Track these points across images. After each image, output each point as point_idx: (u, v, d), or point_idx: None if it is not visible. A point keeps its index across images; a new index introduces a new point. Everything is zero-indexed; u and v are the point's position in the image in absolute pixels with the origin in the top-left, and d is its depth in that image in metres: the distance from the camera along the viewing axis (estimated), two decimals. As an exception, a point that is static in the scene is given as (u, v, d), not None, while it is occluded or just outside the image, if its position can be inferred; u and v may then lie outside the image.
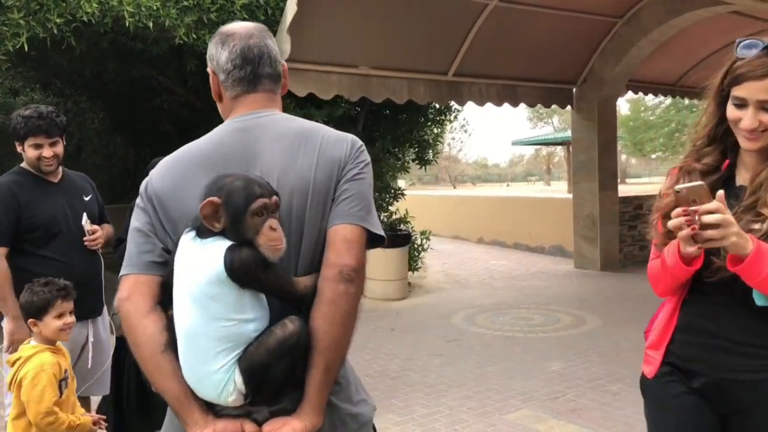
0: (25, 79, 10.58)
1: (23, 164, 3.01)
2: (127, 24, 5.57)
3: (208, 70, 1.54)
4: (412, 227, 8.62)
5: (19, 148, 2.96)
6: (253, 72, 1.49)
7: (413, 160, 9.47)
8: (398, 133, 8.77)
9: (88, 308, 3.01)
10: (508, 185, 46.35)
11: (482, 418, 4.02)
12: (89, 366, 3.06)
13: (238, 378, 1.28)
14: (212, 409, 1.34)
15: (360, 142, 1.50)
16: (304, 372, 1.33)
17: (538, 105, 9.41)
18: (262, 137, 1.44)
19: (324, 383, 1.34)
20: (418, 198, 13.60)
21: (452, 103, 8.64)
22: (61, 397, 2.39)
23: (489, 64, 8.00)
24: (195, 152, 1.47)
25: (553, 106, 9.77)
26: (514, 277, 9.19)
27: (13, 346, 2.89)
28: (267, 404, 1.34)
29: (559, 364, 5.08)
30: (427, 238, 8.85)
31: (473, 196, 17.89)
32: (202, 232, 1.30)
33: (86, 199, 3.09)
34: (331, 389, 1.37)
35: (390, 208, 8.44)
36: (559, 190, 25.80)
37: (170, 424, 1.45)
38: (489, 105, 8.30)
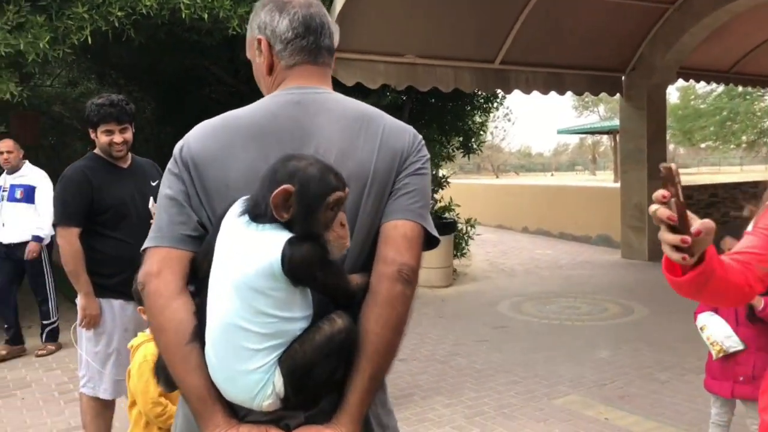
0: (82, 70, 10.95)
1: (96, 150, 3.18)
2: (183, 15, 5.75)
3: (256, 38, 1.37)
4: (456, 215, 8.66)
5: (92, 135, 3.13)
6: (316, 42, 1.35)
7: (458, 149, 9.49)
8: (444, 121, 8.80)
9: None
10: (552, 175, 45.74)
11: (530, 402, 4.07)
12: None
13: (278, 380, 1.14)
14: (236, 414, 1.19)
15: (420, 136, 1.39)
16: (345, 374, 1.20)
17: (585, 93, 9.31)
18: (320, 114, 1.30)
19: (368, 392, 1.20)
20: (461, 186, 13.61)
21: (498, 91, 8.62)
22: None
23: (536, 52, 7.95)
24: (245, 120, 1.30)
25: (601, 95, 9.65)
26: (560, 266, 9.16)
27: (86, 321, 3.07)
28: (304, 409, 1.20)
29: (606, 352, 5.08)
30: (472, 226, 8.88)
31: (518, 184, 17.77)
32: (259, 217, 1.15)
33: (153, 184, 3.24)
34: (373, 399, 1.24)
35: (435, 196, 8.49)
36: (605, 179, 25.40)
37: (185, 426, 1.28)
38: (535, 93, 8.26)
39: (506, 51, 7.72)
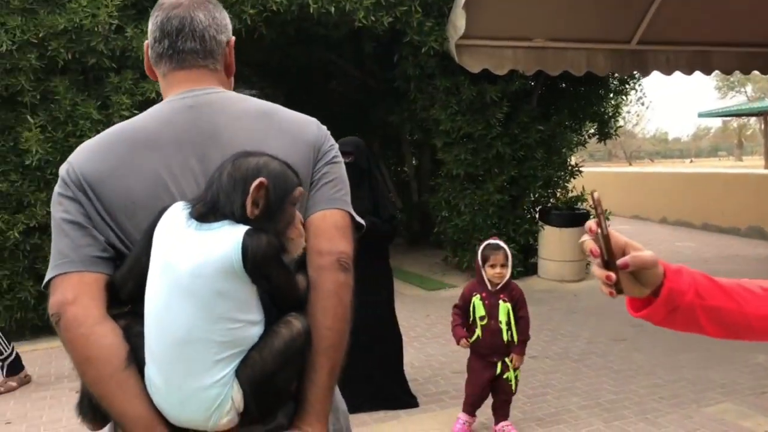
0: (217, 69, 11.51)
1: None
2: (311, 10, 5.85)
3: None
4: (590, 206, 8.23)
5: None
6: (172, 47, 1.28)
7: (592, 135, 9.02)
8: (576, 106, 8.39)
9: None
10: (691, 161, 42.75)
11: (677, 409, 3.75)
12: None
13: (237, 393, 1.07)
14: None
15: (324, 126, 1.36)
16: (299, 380, 1.16)
17: (734, 72, 8.50)
18: (218, 115, 1.25)
19: (329, 388, 1.19)
20: (592, 174, 12.96)
21: (635, 73, 8.08)
22: None
23: (678, 29, 7.34)
24: (137, 131, 1.24)
25: (752, 73, 8.78)
26: (705, 261, 8.47)
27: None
28: (263, 423, 1.14)
29: (763, 356, 4.60)
30: (608, 218, 8.39)
31: (655, 172, 16.70)
32: (204, 216, 1.09)
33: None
34: (333, 394, 1.23)
35: (567, 185, 8.12)
36: (754, 165, 23.30)
37: None
38: (676, 74, 7.65)
39: (644, 30, 7.20)
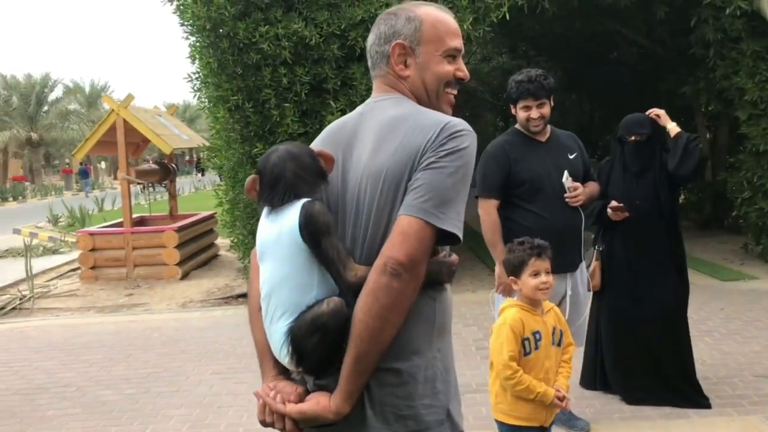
0: (495, 45, 11.62)
1: (516, 125, 3.28)
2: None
3: None
4: None
5: (512, 110, 3.24)
6: (370, 54, 1.55)
7: None
8: None
9: (567, 262, 3.14)
10: None
11: None
12: (566, 318, 3.21)
13: (289, 345, 1.35)
14: (287, 371, 1.43)
15: (457, 128, 1.36)
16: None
17: None
18: (368, 122, 1.46)
19: (354, 372, 1.31)
20: None
21: None
22: (526, 355, 2.38)
23: None
24: (330, 128, 1.56)
25: None
26: None
27: (500, 288, 3.21)
28: (314, 376, 1.39)
29: None
30: None
31: None
32: (273, 203, 1.40)
33: (571, 157, 3.21)
34: (365, 380, 1.33)
35: None
36: None
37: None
38: None
39: None
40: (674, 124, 3.50)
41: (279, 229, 1.35)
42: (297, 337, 1.33)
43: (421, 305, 1.38)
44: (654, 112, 3.55)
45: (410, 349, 1.38)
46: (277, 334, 1.36)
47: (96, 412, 3.97)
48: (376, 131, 1.42)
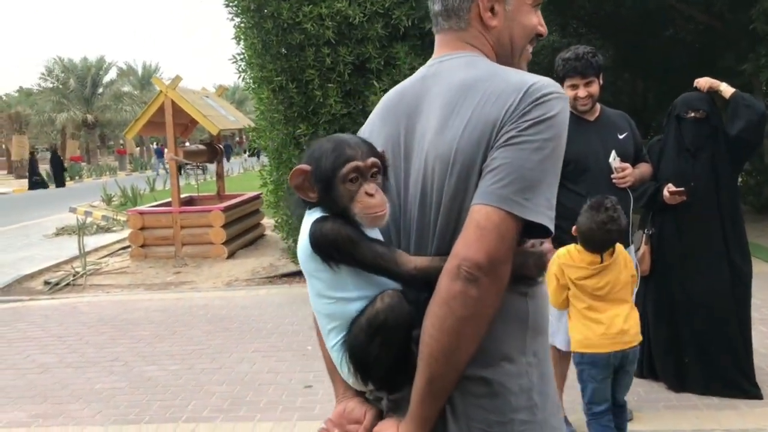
0: (546, 23, 11.34)
1: (565, 104, 3.18)
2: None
3: None
4: None
5: (561, 89, 3.14)
6: (428, 9, 1.31)
7: None
8: None
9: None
10: None
11: None
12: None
13: (348, 360, 1.19)
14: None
15: (543, 90, 1.10)
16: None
17: None
18: (432, 89, 1.22)
19: (427, 395, 1.11)
20: None
21: None
22: None
23: None
24: (387, 97, 1.33)
25: None
26: None
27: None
28: (387, 391, 1.22)
29: None
30: None
31: None
32: (307, 203, 1.20)
33: (620, 137, 3.09)
34: (442, 404, 1.13)
35: None
36: None
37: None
38: None
39: None
40: (726, 84, 3.35)
41: (300, 241, 1.20)
42: (355, 348, 1.16)
43: (509, 302, 1.14)
44: (699, 82, 3.42)
45: (499, 354, 1.15)
46: (334, 352, 1.21)
47: (141, 387, 4.08)
48: (444, 100, 1.17)
